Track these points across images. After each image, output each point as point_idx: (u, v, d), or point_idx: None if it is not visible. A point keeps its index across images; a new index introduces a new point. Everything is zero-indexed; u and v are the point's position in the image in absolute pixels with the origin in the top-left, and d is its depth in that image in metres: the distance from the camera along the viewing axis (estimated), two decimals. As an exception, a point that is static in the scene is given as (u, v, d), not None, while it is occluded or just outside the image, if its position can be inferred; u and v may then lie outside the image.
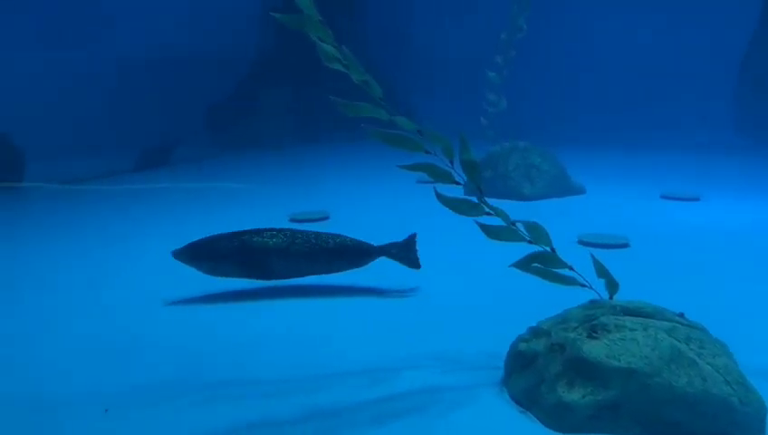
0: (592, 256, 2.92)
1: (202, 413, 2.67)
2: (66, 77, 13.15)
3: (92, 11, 14.87)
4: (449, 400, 2.78)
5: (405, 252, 4.07)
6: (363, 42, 12.85)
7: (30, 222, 6.29)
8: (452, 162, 2.71)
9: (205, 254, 3.89)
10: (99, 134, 11.08)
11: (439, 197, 2.72)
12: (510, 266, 2.86)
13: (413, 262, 4.09)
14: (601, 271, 2.90)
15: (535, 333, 2.86)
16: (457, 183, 2.75)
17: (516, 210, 6.16)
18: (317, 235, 3.98)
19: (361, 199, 6.99)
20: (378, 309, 3.85)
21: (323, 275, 4.06)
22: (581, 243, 5.11)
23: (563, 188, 7.15)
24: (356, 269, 4.07)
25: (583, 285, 2.91)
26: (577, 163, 8.35)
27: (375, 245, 4.09)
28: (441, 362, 3.14)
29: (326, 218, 6.06)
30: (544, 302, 3.23)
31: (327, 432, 2.53)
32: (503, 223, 2.83)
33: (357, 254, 4.00)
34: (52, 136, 10.08)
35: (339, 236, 4.03)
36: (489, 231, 2.79)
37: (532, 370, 2.71)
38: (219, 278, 4.03)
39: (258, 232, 3.91)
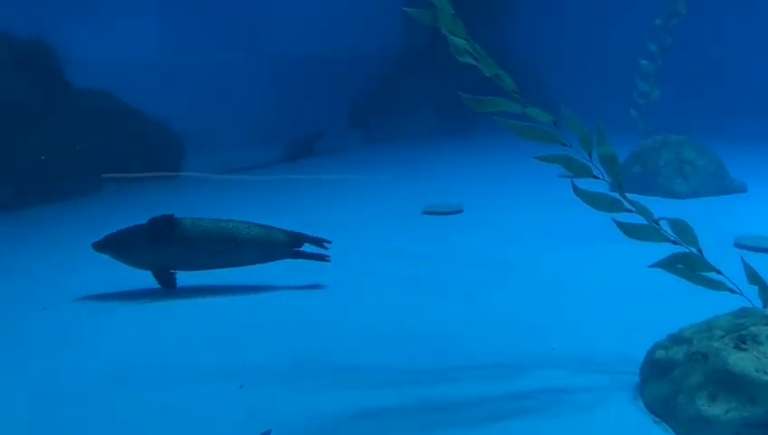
0: (743, 261, 2.70)
1: (329, 397, 2.79)
2: (225, 74, 14.11)
3: (251, 12, 15.85)
4: (578, 402, 2.69)
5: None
6: (509, 32, 12.66)
7: (183, 208, 6.81)
8: (590, 155, 2.61)
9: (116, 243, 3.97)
10: (252, 127, 11.80)
11: (577, 190, 2.62)
12: (650, 267, 2.71)
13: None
14: (754, 277, 2.67)
15: (675, 340, 2.70)
16: (596, 177, 2.64)
17: (665, 208, 5.84)
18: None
19: (498, 193, 6.90)
20: (512, 305, 3.80)
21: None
22: (738, 246, 4.72)
23: (721, 185, 6.64)
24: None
25: (733, 291, 2.69)
26: (738, 159, 7.71)
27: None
28: (574, 362, 3.05)
29: (459, 212, 6.05)
30: (688, 307, 3.03)
31: (446, 425, 2.55)
32: (645, 221, 2.68)
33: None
34: (211, 130, 10.88)
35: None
36: (629, 230, 2.65)
37: (669, 379, 2.56)
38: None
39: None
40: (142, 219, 4.06)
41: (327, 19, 15.00)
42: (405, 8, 2.51)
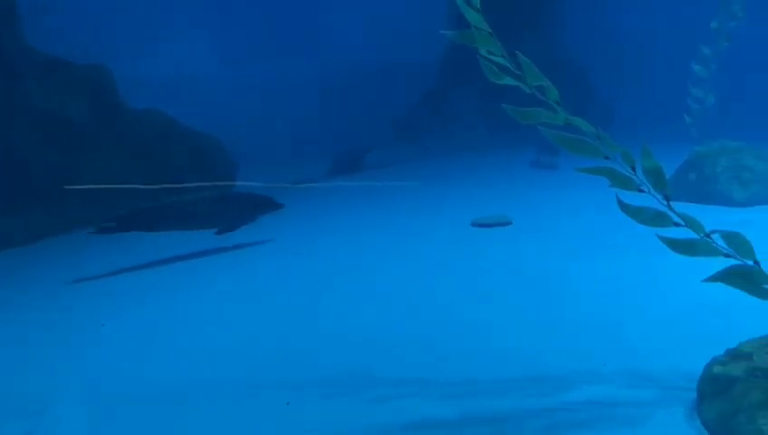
0: (806, 274, 2.56)
1: (385, 409, 2.78)
2: (277, 89, 14.39)
3: (300, 29, 16.16)
4: (632, 418, 2.62)
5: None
6: (558, 38, 12.51)
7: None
8: (633, 169, 2.54)
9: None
10: (303, 141, 12.01)
11: (621, 205, 2.56)
12: (704, 281, 2.61)
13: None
14: (818, 289, 2.54)
15: (734, 355, 2.59)
16: (641, 190, 2.57)
17: (723, 217, 5.72)
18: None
19: (547, 205, 6.78)
20: (565, 319, 3.73)
21: None
22: (804, 257, 4.50)
23: (786, 193, 6.37)
24: None
25: (795, 305, 2.57)
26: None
27: None
28: (629, 378, 2.97)
29: (509, 223, 5.98)
30: (747, 321, 2.92)
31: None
32: (696, 235, 2.58)
33: None
34: (263, 143, 11.10)
35: None
36: (678, 246, 2.56)
37: (728, 396, 2.46)
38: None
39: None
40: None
41: (376, 33, 15.14)
42: (442, 31, 2.52)
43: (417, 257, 5.17)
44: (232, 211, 5.40)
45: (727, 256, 2.59)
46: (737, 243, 2.58)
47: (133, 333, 3.88)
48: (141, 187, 4.21)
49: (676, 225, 2.58)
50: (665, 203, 2.58)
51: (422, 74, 12.80)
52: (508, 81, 2.47)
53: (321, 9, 16.31)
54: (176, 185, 4.56)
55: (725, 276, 2.61)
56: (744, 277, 2.60)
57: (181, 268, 5.27)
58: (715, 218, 5.48)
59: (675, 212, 2.59)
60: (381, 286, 4.49)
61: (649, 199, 2.61)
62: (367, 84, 14.41)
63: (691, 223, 2.57)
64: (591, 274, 4.48)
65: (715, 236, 2.59)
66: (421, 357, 3.31)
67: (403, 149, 11.52)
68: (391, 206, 7.28)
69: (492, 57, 2.44)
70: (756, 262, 2.59)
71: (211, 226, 5.49)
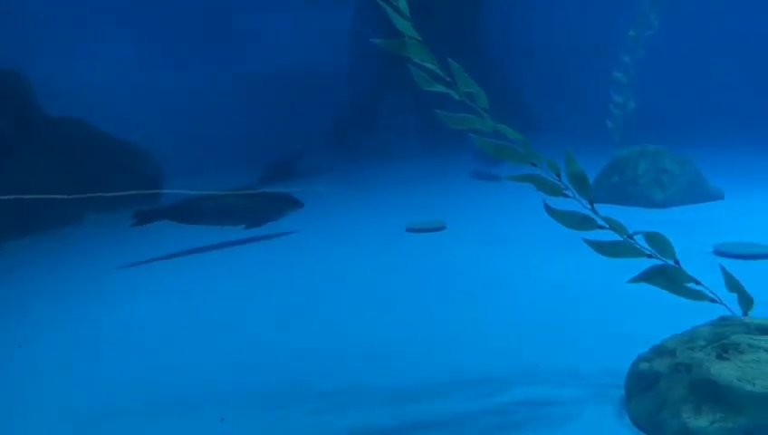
0: (722, 269, 2.70)
1: (318, 420, 2.75)
2: (205, 97, 14.09)
3: (224, 34, 15.90)
4: (564, 417, 2.67)
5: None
6: (484, 47, 12.77)
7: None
8: (559, 175, 2.62)
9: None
10: (233, 149, 11.80)
11: (548, 209, 2.63)
12: (630, 281, 2.70)
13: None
14: (733, 284, 2.68)
15: (658, 352, 2.69)
16: (567, 196, 2.65)
17: (645, 218, 5.95)
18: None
19: (481, 210, 6.89)
20: (497, 320, 3.78)
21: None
22: (718, 253, 4.74)
23: (699, 193, 6.69)
24: None
25: (713, 300, 2.69)
26: (715, 166, 7.80)
27: None
28: (559, 377, 3.03)
29: (443, 228, 6.05)
30: (671, 317, 3.03)
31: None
32: (619, 237, 2.67)
33: None
34: (190, 153, 10.84)
35: None
36: (602, 248, 2.65)
37: (654, 392, 2.54)
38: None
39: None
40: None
41: (307, 39, 15.04)
42: (372, 39, 2.52)
43: (352, 262, 5.16)
44: (260, 208, 5.93)
45: (650, 256, 2.69)
46: (658, 243, 2.69)
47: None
48: (65, 197, 4.05)
49: (601, 228, 2.67)
50: (589, 207, 2.66)
51: (354, 80, 12.83)
52: (438, 88, 2.49)
53: (249, 15, 16.11)
54: (101, 194, 4.38)
55: (648, 276, 2.71)
56: (665, 277, 2.71)
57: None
58: (637, 219, 5.72)
59: (599, 215, 2.67)
60: (315, 294, 4.45)
61: (575, 204, 2.69)
62: (297, 90, 14.31)
63: (615, 226, 2.66)
64: (523, 275, 4.57)
65: (638, 238, 2.69)
66: (361, 364, 3.28)
67: (336, 156, 11.50)
68: (325, 212, 7.24)
69: (422, 64, 2.46)
70: (676, 261, 2.70)
71: (241, 221, 5.92)
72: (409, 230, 6.04)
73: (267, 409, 2.89)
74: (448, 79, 2.48)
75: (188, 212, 5.73)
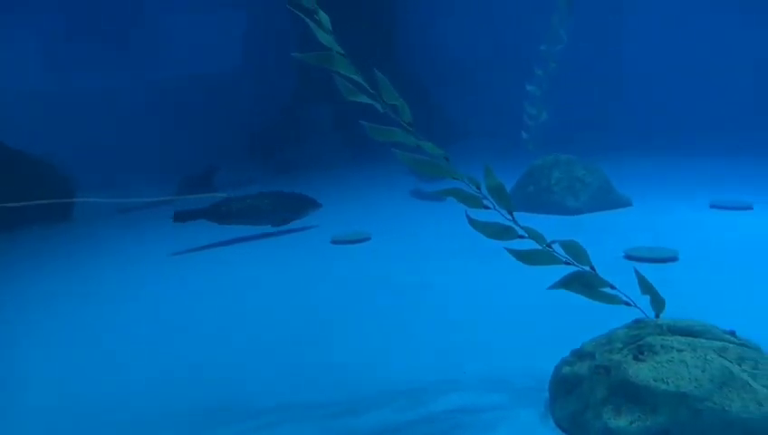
0: (636, 272, 2.82)
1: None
2: (113, 105, 13.58)
3: (140, 40, 15.38)
4: (490, 423, 2.71)
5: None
6: (401, 61, 12.94)
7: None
8: (479, 187, 2.68)
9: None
10: (148, 161, 11.42)
11: (470, 220, 2.68)
12: (549, 289, 2.78)
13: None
14: (646, 287, 2.80)
15: (579, 355, 2.77)
16: (487, 207, 2.71)
17: (560, 225, 6.16)
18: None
19: (407, 221, 6.91)
20: (422, 329, 3.81)
21: None
22: (628, 257, 4.96)
23: (609, 200, 6.98)
24: None
25: (627, 304, 2.81)
26: (623, 173, 8.16)
27: None
28: (486, 383, 3.08)
29: (368, 239, 6.05)
30: (590, 321, 3.13)
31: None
32: (538, 246, 2.75)
33: None
34: (103, 165, 10.41)
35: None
36: (522, 257, 2.73)
37: (576, 394, 2.62)
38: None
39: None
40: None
41: (227, 45, 14.74)
42: (293, 54, 2.50)
43: (275, 275, 5.08)
44: (286, 209, 6.36)
45: (567, 263, 2.78)
46: (574, 251, 2.78)
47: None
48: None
49: (521, 237, 2.74)
50: (509, 218, 2.73)
51: (277, 89, 12.69)
52: (363, 99, 2.49)
53: (162, 19, 15.62)
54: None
55: (567, 283, 2.80)
56: (582, 282, 2.81)
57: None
58: (552, 226, 5.89)
59: (519, 225, 2.74)
60: (237, 307, 4.35)
61: (497, 214, 2.75)
62: (216, 99, 14.02)
63: (534, 235, 2.73)
64: (448, 285, 4.63)
65: (556, 246, 2.78)
66: (287, 380, 3.23)
67: (258, 167, 11.32)
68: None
69: (347, 75, 2.46)
70: (592, 267, 2.80)
71: (268, 221, 6.32)
72: (335, 242, 6.01)
73: (194, 431, 2.79)
74: (372, 91, 2.49)
75: (222, 212, 6.18)
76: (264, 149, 12.04)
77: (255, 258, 5.69)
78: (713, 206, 6.68)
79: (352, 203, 8.29)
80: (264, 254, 5.83)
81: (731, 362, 2.44)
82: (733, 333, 2.64)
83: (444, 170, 2.59)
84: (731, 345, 2.53)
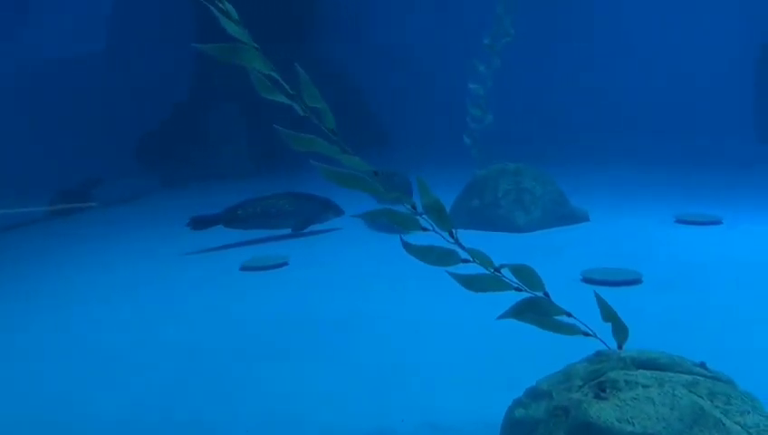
0: (597, 297, 2.89)
1: None
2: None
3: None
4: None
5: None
6: (325, 60, 13.01)
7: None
8: (414, 207, 2.72)
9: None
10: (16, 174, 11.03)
11: (406, 246, 2.71)
12: (498, 319, 2.83)
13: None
14: (607, 314, 2.88)
15: (534, 395, 2.83)
16: (425, 229, 2.75)
17: (509, 245, 6.29)
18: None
19: (333, 242, 6.90)
20: (350, 370, 3.80)
21: None
22: (586, 280, 5.11)
23: (563, 215, 7.16)
24: None
25: (587, 334, 2.89)
26: (578, 184, 8.42)
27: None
28: (426, 431, 3.10)
29: (285, 264, 6.01)
30: (545, 355, 3.21)
31: None
32: (485, 270, 2.80)
33: None
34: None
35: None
36: (467, 283, 2.77)
37: (532, 440, 2.67)
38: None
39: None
40: None
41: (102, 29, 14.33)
42: (194, 44, 2.47)
43: (183, 307, 5.04)
44: (307, 213, 6.97)
45: (518, 289, 2.84)
46: (526, 275, 2.85)
47: None
48: None
49: (465, 262, 2.78)
50: (451, 241, 2.77)
51: (171, 89, 12.46)
52: (280, 98, 2.49)
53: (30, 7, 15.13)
54: None
55: (517, 312, 2.86)
56: (535, 311, 2.87)
57: None
58: (500, 247, 6.03)
59: (462, 248, 2.79)
60: (135, 345, 4.24)
61: (436, 236, 2.79)
62: (97, 102, 13.66)
63: (480, 258, 2.78)
64: (382, 317, 4.65)
65: (505, 270, 2.84)
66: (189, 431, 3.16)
67: (149, 179, 11.07)
68: (140, 247, 6.94)
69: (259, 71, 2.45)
70: (546, 293, 2.88)
71: (289, 224, 6.96)
72: (245, 269, 5.94)
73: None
74: (291, 91, 2.49)
75: (239, 216, 6.73)
76: (155, 155, 11.80)
77: (143, 292, 5.55)
78: (678, 220, 6.99)
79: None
80: (156, 284, 5.70)
81: (702, 397, 2.54)
82: (703, 365, 2.76)
83: (373, 187, 2.61)
84: (701, 379, 2.64)
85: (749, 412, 2.54)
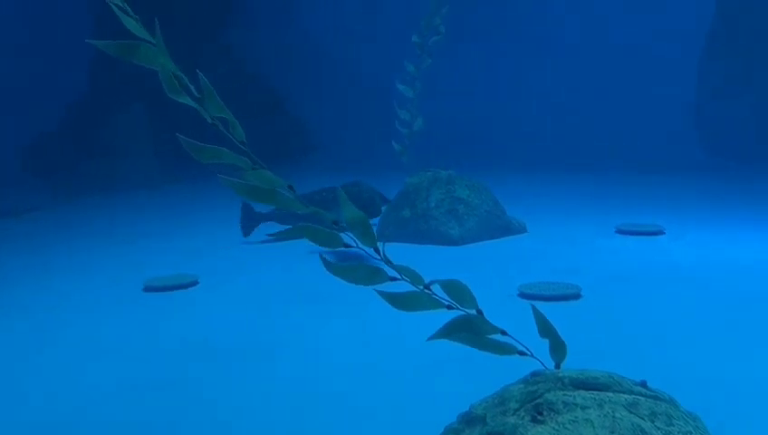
0: (534, 313, 2.94)
1: None
2: None
3: None
4: None
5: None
6: (240, 60, 12.95)
7: None
8: (336, 223, 2.72)
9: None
10: None
11: (327, 265, 2.71)
12: (428, 340, 2.86)
13: None
14: (545, 330, 2.94)
15: (467, 420, 2.85)
16: (348, 246, 2.76)
17: (442, 258, 6.35)
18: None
19: (248, 260, 6.83)
20: (268, 401, 3.77)
21: None
22: (523, 295, 5.21)
23: (499, 226, 7.28)
24: None
25: (523, 353, 2.94)
26: (514, 193, 8.58)
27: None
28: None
29: (194, 284, 5.94)
30: (478, 377, 3.25)
31: None
32: (414, 287, 2.82)
33: None
34: None
35: None
36: (396, 301, 2.78)
37: (465, 470, 2.70)
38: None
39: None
40: None
41: None
42: (89, 40, 2.43)
43: (72, 332, 4.90)
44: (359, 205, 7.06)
45: (450, 307, 2.87)
46: (457, 292, 2.88)
47: None
48: None
49: (393, 280, 2.80)
50: (378, 258, 2.78)
51: (65, 88, 12.17)
52: (187, 101, 2.46)
53: None
54: None
55: (448, 332, 2.89)
56: (468, 330, 2.91)
57: None
58: (433, 260, 6.09)
59: (390, 264, 2.80)
60: (27, 374, 4.10)
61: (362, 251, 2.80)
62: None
63: (409, 274, 2.80)
64: (300, 341, 4.63)
65: (435, 286, 2.87)
66: None
67: (40, 190, 10.79)
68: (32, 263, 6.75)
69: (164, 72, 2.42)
70: (479, 311, 2.92)
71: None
72: (148, 289, 5.84)
73: None
74: (198, 95, 2.47)
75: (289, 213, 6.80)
76: (43, 164, 11.50)
77: (51, 306, 5.40)
78: (619, 231, 7.20)
79: (173, 236, 8.08)
80: (58, 299, 5.55)
81: (643, 418, 2.62)
82: (644, 384, 2.84)
83: (288, 201, 2.61)
84: (642, 399, 2.71)
85: (691, 433, 2.63)
